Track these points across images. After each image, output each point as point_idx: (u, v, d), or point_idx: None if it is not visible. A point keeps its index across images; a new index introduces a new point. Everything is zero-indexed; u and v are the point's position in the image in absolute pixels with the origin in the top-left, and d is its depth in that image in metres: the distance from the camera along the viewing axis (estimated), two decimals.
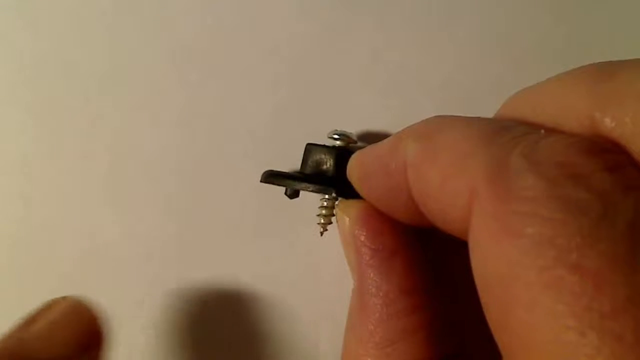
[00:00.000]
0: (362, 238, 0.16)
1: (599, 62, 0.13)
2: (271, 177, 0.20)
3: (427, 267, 0.16)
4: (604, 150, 0.11)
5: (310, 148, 0.20)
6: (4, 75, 0.24)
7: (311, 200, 0.21)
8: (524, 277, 0.10)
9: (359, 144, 0.21)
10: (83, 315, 0.20)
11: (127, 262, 0.23)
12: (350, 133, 0.20)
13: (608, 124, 0.12)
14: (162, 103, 0.23)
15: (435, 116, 0.15)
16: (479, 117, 0.14)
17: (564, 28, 0.22)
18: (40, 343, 0.18)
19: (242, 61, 0.23)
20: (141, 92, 0.23)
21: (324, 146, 0.20)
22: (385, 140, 0.16)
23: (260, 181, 0.20)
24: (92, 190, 0.24)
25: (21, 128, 0.24)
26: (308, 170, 0.20)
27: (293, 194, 0.20)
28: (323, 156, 0.20)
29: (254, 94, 0.23)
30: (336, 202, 0.19)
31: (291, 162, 0.22)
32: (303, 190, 0.19)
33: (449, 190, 0.13)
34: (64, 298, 0.20)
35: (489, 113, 0.16)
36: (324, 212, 0.20)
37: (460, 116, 0.15)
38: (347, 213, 0.17)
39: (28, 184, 0.24)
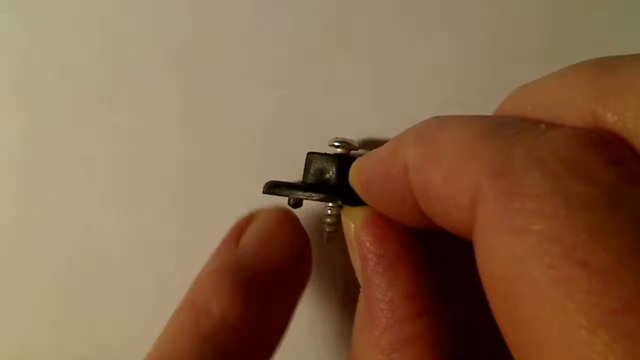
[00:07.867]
0: (367, 244, 0.16)
1: (600, 57, 0.13)
2: (274, 188, 0.20)
3: (433, 271, 0.16)
4: (607, 143, 0.11)
5: (311, 157, 0.20)
6: (2, 75, 0.24)
7: (315, 206, 0.21)
8: (530, 274, 0.10)
9: (360, 150, 0.21)
10: (292, 225, 0.19)
11: (126, 263, 0.23)
12: (351, 140, 0.20)
13: (610, 119, 0.12)
14: (161, 104, 0.23)
15: (434, 117, 0.15)
16: (477, 115, 0.14)
17: (564, 28, 0.22)
18: (257, 253, 0.18)
19: (242, 62, 0.23)
20: (140, 93, 0.23)
21: (325, 154, 0.20)
22: (384, 145, 0.16)
23: (263, 192, 0.20)
24: (92, 190, 0.24)
25: (20, 128, 0.24)
26: (311, 180, 0.20)
27: (296, 204, 0.20)
28: (325, 164, 0.20)
29: (253, 94, 0.23)
30: (341, 209, 0.19)
31: (292, 161, 0.22)
32: (307, 199, 0.19)
33: (452, 190, 0.13)
34: (268, 210, 0.20)
35: (491, 113, 0.16)
36: (329, 220, 0.20)
37: (458, 115, 0.15)
38: (352, 219, 0.17)
39: (27, 184, 0.24)
